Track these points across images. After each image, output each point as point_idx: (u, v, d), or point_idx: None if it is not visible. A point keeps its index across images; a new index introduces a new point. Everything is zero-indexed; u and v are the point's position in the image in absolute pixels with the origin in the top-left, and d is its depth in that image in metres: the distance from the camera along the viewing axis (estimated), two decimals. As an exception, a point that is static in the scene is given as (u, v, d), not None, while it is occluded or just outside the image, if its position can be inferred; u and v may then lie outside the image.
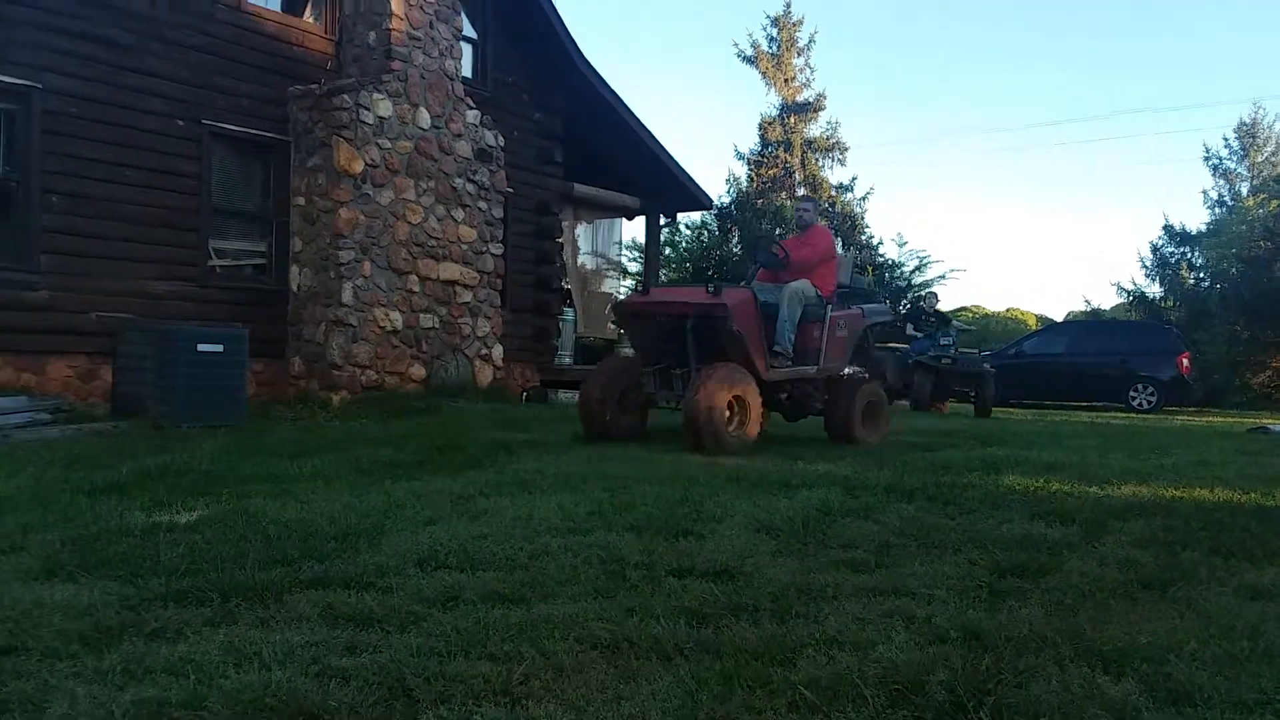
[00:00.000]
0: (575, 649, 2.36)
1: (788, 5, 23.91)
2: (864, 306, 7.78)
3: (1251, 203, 23.18)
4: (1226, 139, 27.41)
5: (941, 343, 13.36)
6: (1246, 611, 2.80)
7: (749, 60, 23.91)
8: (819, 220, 8.15)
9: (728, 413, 6.39)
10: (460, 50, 10.69)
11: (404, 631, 2.48)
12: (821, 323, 7.10)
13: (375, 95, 9.59)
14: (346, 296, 9.40)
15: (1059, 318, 29.86)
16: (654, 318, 6.91)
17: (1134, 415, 14.77)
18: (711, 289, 6.62)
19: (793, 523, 3.91)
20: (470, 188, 10.68)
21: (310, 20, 10.29)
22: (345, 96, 9.39)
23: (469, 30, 11.55)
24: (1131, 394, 16.44)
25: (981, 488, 4.98)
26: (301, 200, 9.61)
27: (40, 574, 3.00)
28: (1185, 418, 14.05)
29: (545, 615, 2.59)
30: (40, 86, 8.00)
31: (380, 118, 9.65)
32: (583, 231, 14.74)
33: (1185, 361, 16.57)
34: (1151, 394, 16.33)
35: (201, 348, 7.51)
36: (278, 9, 9.99)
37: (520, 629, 2.48)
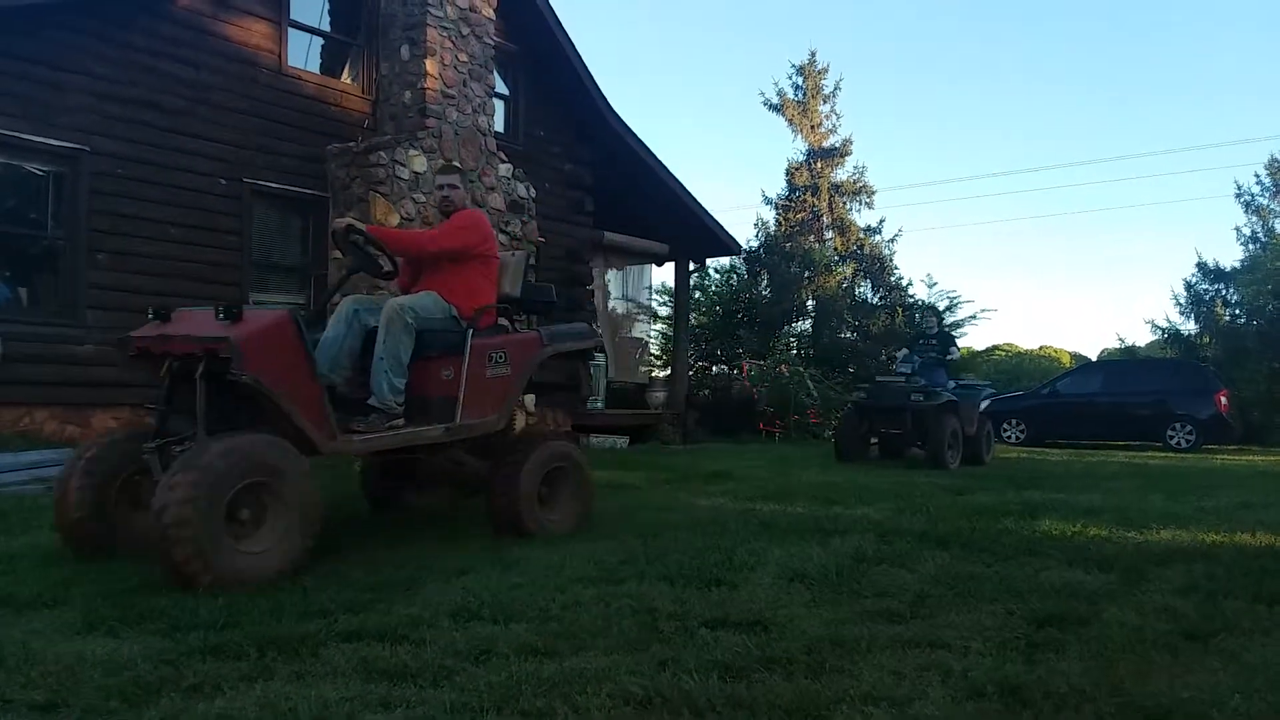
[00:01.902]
0: (607, 704, 2.36)
1: (813, 54, 24.18)
2: (549, 329, 5.31)
3: (1285, 239, 22.81)
4: (1258, 175, 27.09)
5: (901, 369, 11.05)
6: (1293, 663, 2.73)
7: (775, 108, 24.12)
8: (468, 202, 5.35)
9: (235, 526, 3.66)
10: (493, 107, 10.93)
11: (437, 686, 2.49)
12: (459, 356, 4.63)
13: (410, 152, 9.82)
14: (381, 347, 9.52)
15: (1093, 355, 29.50)
16: (161, 359, 4.21)
17: (1172, 455, 14.48)
18: (221, 312, 3.98)
19: (826, 571, 3.89)
20: (503, 239, 10.85)
21: (348, 81, 10.59)
22: (381, 153, 9.62)
23: (501, 87, 11.82)
24: (1169, 433, 16.12)
25: (1017, 534, 4.92)
26: (339, 254, 9.80)
27: (81, 628, 3.05)
28: (1225, 457, 13.75)
29: (578, 669, 2.60)
30: (89, 149, 8.30)
31: (415, 173, 9.87)
32: (613, 277, 14.88)
33: (1223, 399, 16.24)
34: (1190, 433, 16.01)
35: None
36: (317, 71, 10.31)
37: (553, 683, 2.49)
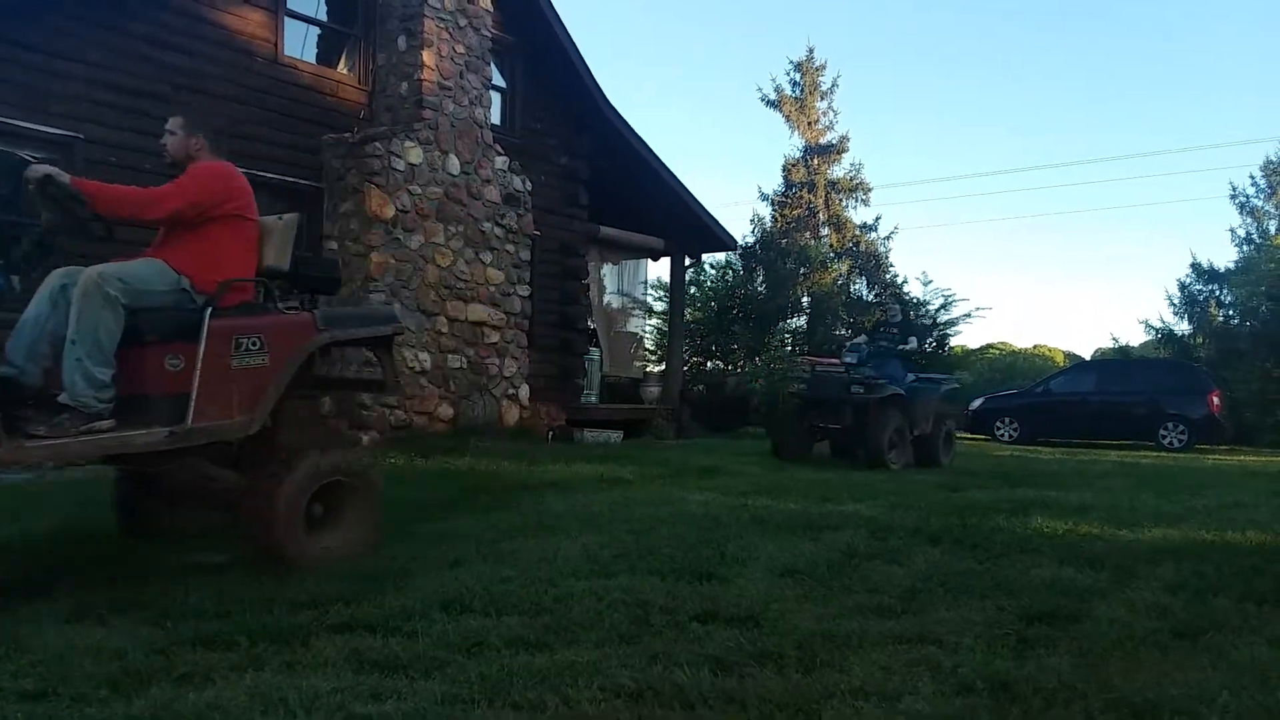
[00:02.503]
0: (599, 697, 2.36)
1: (810, 50, 24.22)
2: (329, 311, 4.40)
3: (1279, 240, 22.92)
4: (1253, 177, 27.20)
5: (847, 358, 9.98)
6: (1281, 661, 2.75)
7: (773, 104, 24.14)
8: (209, 154, 4.41)
9: None
10: (489, 99, 10.90)
11: (428, 678, 2.49)
12: (192, 341, 3.69)
13: (406, 143, 9.79)
14: (375, 338, 9.51)
15: (1087, 355, 29.55)
16: None
17: (1164, 454, 14.54)
18: None
19: (817, 566, 3.90)
20: (498, 231, 10.84)
21: (344, 71, 10.55)
22: (377, 144, 9.59)
23: (498, 79, 11.78)
24: (1162, 432, 16.19)
25: (1009, 530, 4.94)
26: (334, 245, 9.78)
27: (71, 617, 3.05)
28: (1217, 457, 13.81)
29: (569, 662, 2.60)
30: (82, 137, 8.25)
31: (411, 164, 9.84)
32: (608, 272, 14.87)
33: (1216, 399, 16.31)
34: (1182, 432, 16.08)
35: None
36: (313, 61, 10.27)
37: (544, 676, 2.49)
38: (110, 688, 2.39)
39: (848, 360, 9.82)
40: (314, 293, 4.57)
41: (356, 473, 4.17)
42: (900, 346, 10.18)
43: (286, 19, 9.83)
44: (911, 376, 10.09)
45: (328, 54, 10.54)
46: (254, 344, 3.86)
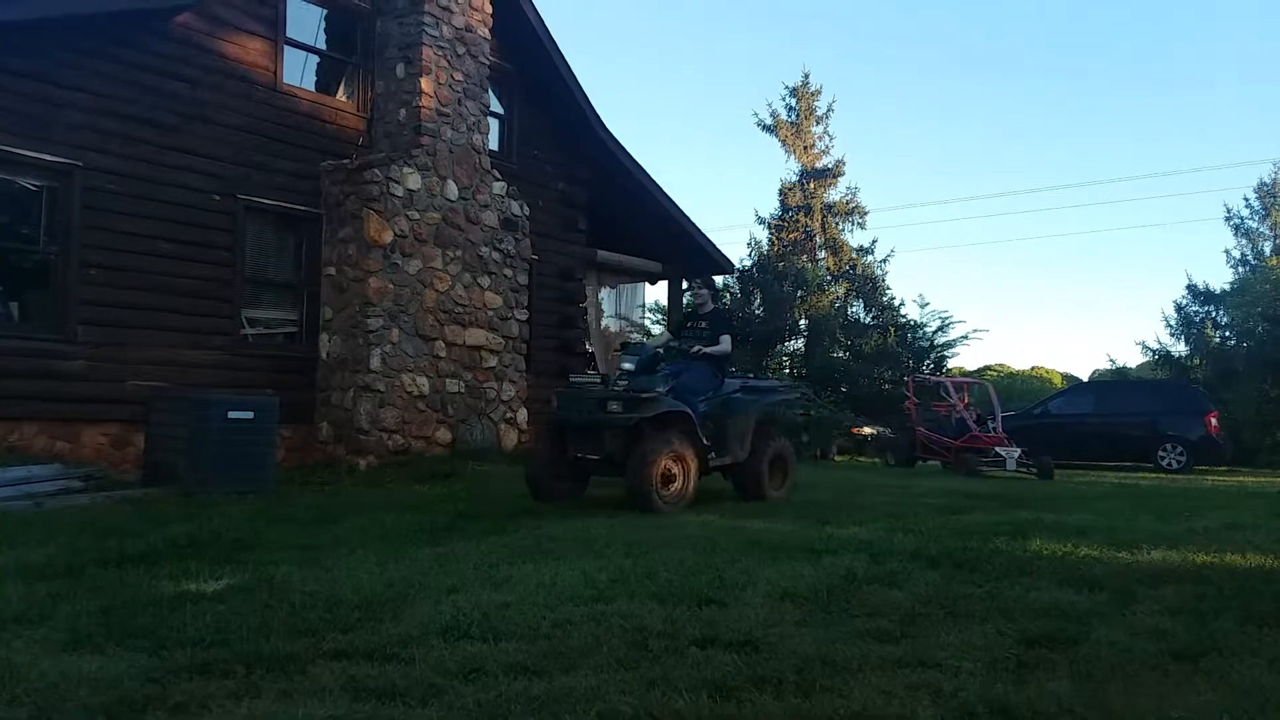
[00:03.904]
0: (596, 723, 2.35)
1: (806, 75, 24.39)
2: None
3: (1275, 262, 23.03)
4: (1247, 199, 27.44)
5: (624, 364, 7.29)
6: (1282, 684, 2.74)
7: (769, 129, 24.30)
8: None
9: None
10: (487, 125, 10.99)
11: (425, 705, 2.48)
12: None
13: (405, 169, 9.85)
14: (374, 363, 9.54)
15: (1084, 376, 29.59)
16: None
17: (1163, 476, 14.52)
18: None
19: (817, 590, 3.88)
20: (496, 256, 10.88)
21: (343, 98, 10.64)
22: (376, 170, 9.65)
23: (496, 106, 11.89)
24: (1160, 454, 16.17)
25: (1008, 553, 4.92)
26: (332, 270, 9.82)
27: (67, 645, 3.03)
28: (1216, 478, 13.79)
29: (567, 688, 2.59)
30: (81, 164, 8.30)
31: (409, 190, 9.90)
32: (606, 295, 14.92)
33: (1214, 420, 16.31)
34: (1181, 454, 16.06)
35: (232, 414, 7.63)
36: (312, 89, 10.35)
37: (542, 703, 2.48)
38: (106, 716, 2.38)
39: (624, 367, 7.27)
40: None
41: None
42: (706, 349, 7.57)
43: (286, 48, 9.93)
44: (735, 385, 7.91)
45: (327, 82, 10.63)
46: None
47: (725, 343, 7.76)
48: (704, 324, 7.93)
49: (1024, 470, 12.84)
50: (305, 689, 2.59)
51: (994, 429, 13.94)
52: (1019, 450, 13.08)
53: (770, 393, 8.56)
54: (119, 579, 4.07)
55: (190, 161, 9.04)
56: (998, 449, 13.19)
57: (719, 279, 18.82)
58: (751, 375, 9.76)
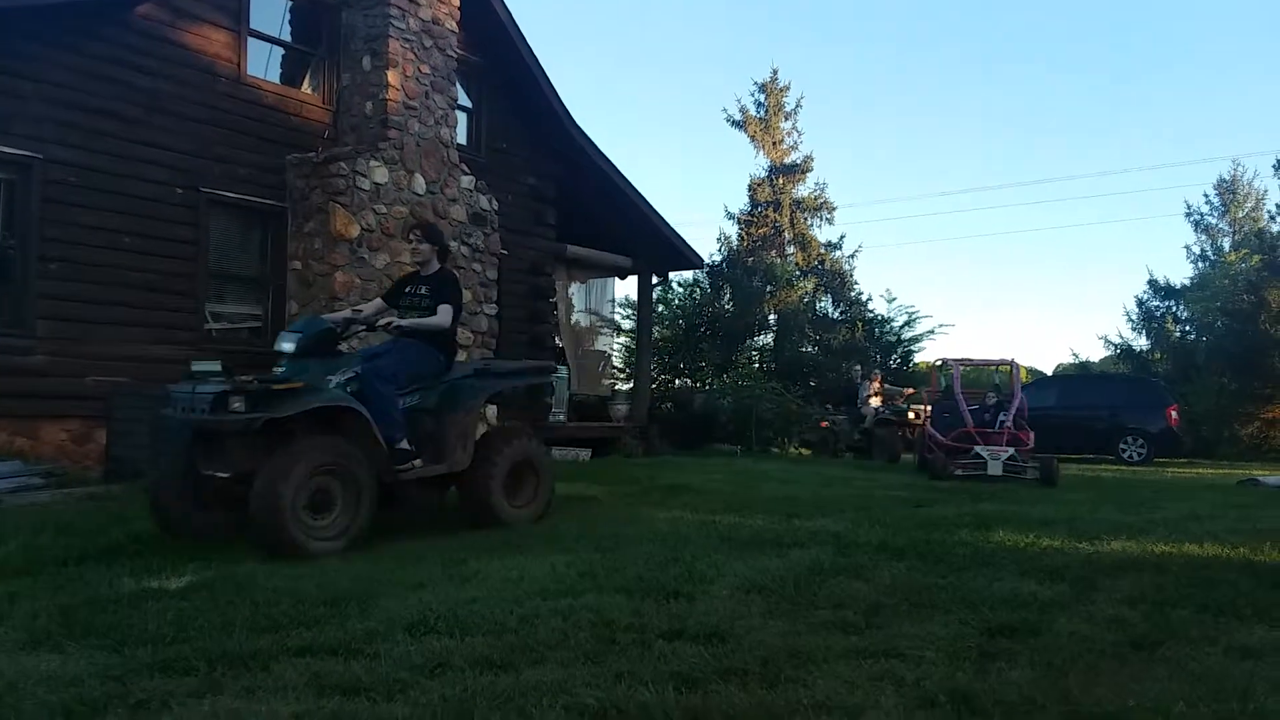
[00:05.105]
0: (563, 717, 2.35)
1: (774, 71, 24.49)
2: None
3: (1234, 257, 23.52)
4: (1207, 195, 28.04)
5: (282, 345, 5.41)
6: (1236, 672, 2.80)
7: (738, 124, 24.38)
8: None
9: None
10: (455, 119, 10.90)
11: (391, 700, 2.47)
12: None
13: (371, 162, 9.75)
14: (340, 359, 9.44)
15: (1048, 370, 30.02)
16: None
17: (1125, 468, 14.79)
18: None
19: (783, 583, 3.91)
20: (465, 250, 10.81)
21: (308, 91, 10.51)
22: (342, 164, 9.54)
23: (464, 99, 11.80)
24: (1122, 446, 16.48)
25: (972, 545, 4.99)
26: (298, 264, 9.70)
27: (26, 644, 2.99)
28: (1175, 470, 14.07)
29: (534, 682, 2.59)
30: (41, 157, 8.13)
31: (376, 184, 9.80)
32: (576, 290, 14.88)
33: (1174, 414, 16.64)
34: (1142, 446, 16.38)
35: (194, 411, 7.52)
36: (277, 81, 10.22)
37: (508, 697, 2.48)
38: (64, 716, 2.35)
39: (282, 347, 5.39)
40: None
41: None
42: (401, 323, 5.69)
43: (250, 39, 9.78)
44: (469, 369, 6.18)
45: (292, 74, 10.49)
46: None
47: (444, 314, 5.73)
48: (424, 289, 5.96)
49: (1016, 475, 10.20)
50: (268, 685, 2.57)
51: (1003, 422, 11.14)
52: (1009, 450, 10.40)
53: (514, 376, 6.74)
54: (79, 577, 4.01)
55: (152, 154, 8.89)
56: (977, 448, 10.50)
57: (688, 274, 18.88)
58: (497, 357, 7.59)
